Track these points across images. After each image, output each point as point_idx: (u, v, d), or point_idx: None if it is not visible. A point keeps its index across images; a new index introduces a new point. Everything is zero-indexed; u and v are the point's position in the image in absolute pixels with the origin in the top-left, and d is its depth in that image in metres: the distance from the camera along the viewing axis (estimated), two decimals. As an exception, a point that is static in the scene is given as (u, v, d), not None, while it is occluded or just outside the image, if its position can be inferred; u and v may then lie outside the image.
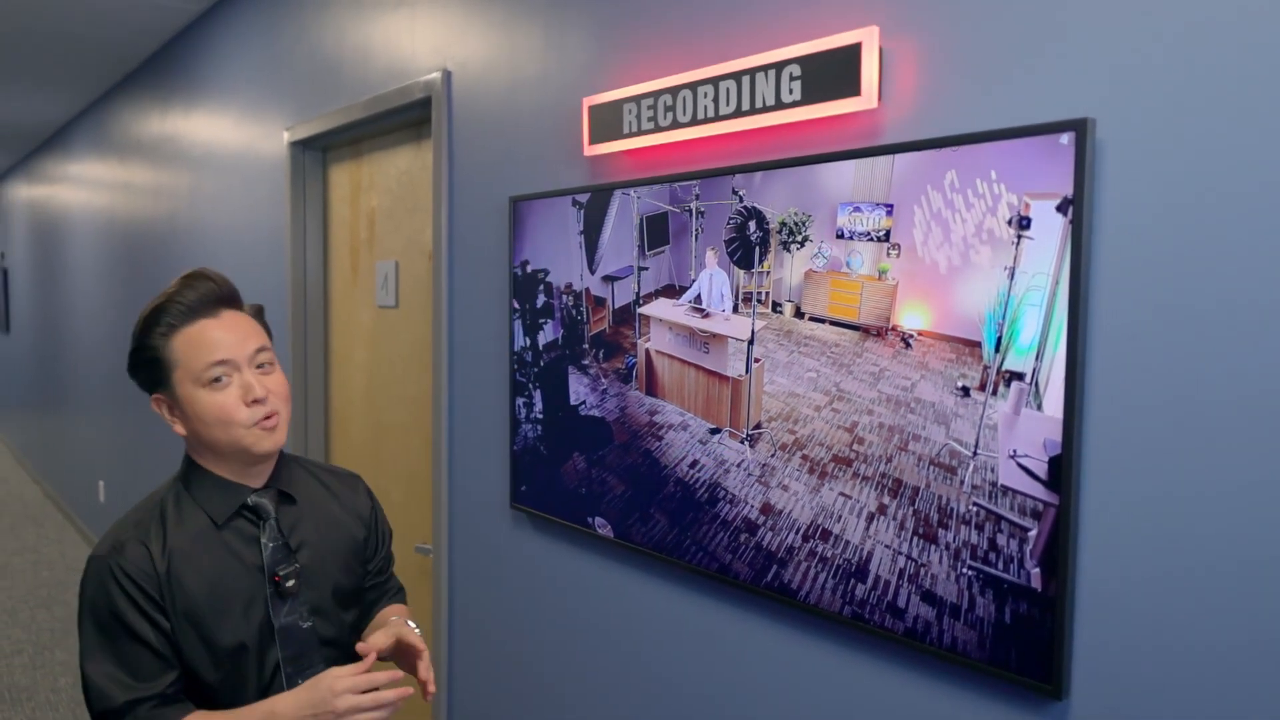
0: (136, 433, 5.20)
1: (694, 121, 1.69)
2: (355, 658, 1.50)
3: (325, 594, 1.50)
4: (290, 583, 1.44)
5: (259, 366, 1.42)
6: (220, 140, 3.95)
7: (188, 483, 1.45)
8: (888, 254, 1.42)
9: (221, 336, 1.39)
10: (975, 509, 1.33)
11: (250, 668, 1.42)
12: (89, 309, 6.15)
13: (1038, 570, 1.26)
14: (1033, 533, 1.27)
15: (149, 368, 1.40)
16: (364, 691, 1.31)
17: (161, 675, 1.35)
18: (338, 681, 1.31)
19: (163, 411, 1.43)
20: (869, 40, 1.42)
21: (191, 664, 1.39)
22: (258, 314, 1.49)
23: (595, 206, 1.94)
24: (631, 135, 1.83)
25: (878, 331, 1.44)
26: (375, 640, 1.40)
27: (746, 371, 1.64)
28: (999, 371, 1.29)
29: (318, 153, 3.33)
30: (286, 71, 3.36)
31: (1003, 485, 1.29)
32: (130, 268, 5.21)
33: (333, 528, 1.55)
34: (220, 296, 1.42)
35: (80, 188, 6.39)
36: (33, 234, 8.23)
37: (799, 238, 1.54)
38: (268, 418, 1.40)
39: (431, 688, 1.44)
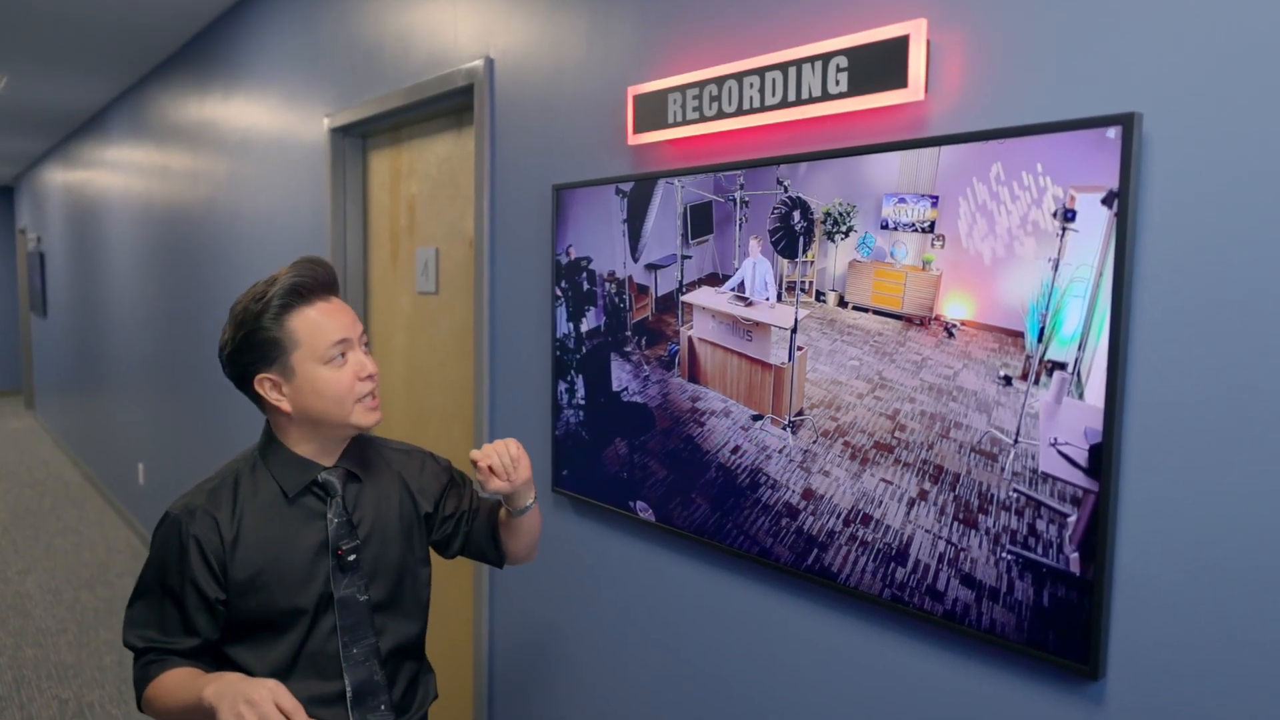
0: (176, 416, 5.28)
1: (739, 112, 1.72)
2: (412, 625, 1.62)
3: (384, 567, 1.57)
4: (351, 557, 1.52)
5: (365, 346, 1.53)
6: (259, 126, 4.00)
7: (265, 456, 1.54)
8: (932, 245, 1.45)
9: (338, 319, 1.48)
10: (1015, 495, 1.36)
11: (303, 632, 1.50)
12: (126, 293, 6.24)
13: (1076, 555, 1.29)
14: (1072, 519, 1.29)
15: (263, 348, 1.45)
16: None
17: (183, 636, 1.47)
18: (255, 690, 1.24)
19: (266, 391, 1.47)
20: (917, 33, 1.44)
21: (249, 623, 1.49)
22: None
23: (639, 195, 1.97)
24: (676, 125, 1.86)
25: (921, 321, 1.47)
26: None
27: (789, 359, 1.67)
28: (1041, 361, 1.32)
29: (357, 139, 3.38)
30: (327, 58, 3.40)
31: (1043, 472, 1.32)
32: (168, 252, 5.29)
33: (395, 505, 1.62)
34: (329, 282, 1.52)
35: (117, 172, 6.47)
36: (69, 218, 8.33)
37: (843, 228, 1.57)
38: (373, 394, 1.51)
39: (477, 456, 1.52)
